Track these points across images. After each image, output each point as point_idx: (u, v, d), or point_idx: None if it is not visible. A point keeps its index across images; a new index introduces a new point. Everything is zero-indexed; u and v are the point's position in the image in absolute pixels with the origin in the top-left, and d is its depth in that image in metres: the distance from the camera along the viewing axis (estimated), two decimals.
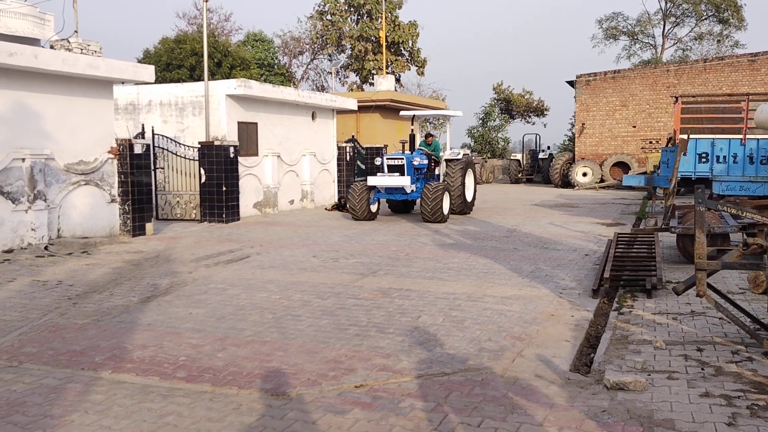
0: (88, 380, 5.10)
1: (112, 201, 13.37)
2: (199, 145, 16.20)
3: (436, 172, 17.62)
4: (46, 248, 11.62)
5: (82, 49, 12.82)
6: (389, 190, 16.58)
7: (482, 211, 19.25)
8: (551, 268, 9.81)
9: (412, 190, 16.49)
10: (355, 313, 7.15)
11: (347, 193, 16.76)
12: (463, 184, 17.22)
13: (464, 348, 5.89)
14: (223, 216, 16.12)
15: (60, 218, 12.28)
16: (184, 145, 16.74)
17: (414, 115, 18.77)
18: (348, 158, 22.88)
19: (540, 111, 49.49)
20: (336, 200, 21.58)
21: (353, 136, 24.17)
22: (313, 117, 21.38)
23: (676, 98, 17.17)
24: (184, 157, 16.64)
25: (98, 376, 5.19)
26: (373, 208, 16.48)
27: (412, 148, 17.31)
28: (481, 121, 48.37)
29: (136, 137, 15.15)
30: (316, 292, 8.23)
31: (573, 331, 6.49)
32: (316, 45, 44.11)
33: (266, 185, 18.94)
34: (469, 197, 17.83)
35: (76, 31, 13.40)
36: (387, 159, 16.42)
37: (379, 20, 40.53)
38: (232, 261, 10.66)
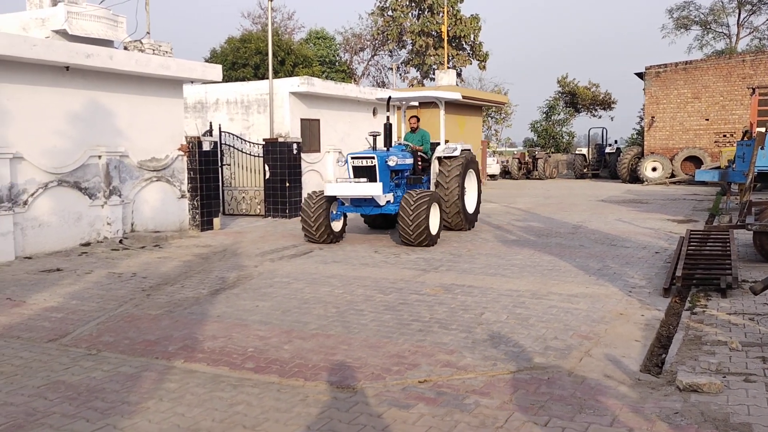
0: (162, 369, 5.29)
1: (182, 197, 13.80)
2: (264, 142, 16.53)
3: (430, 175, 13.03)
4: (120, 242, 12.11)
5: (153, 50, 13.27)
6: (357, 202, 11.94)
7: (546, 207, 18.91)
8: (619, 266, 9.55)
9: (389, 201, 11.84)
10: (417, 309, 7.16)
11: (303, 209, 11.78)
12: (461, 190, 12.87)
13: (529, 346, 5.81)
14: (287, 211, 16.41)
15: (133, 213, 12.77)
16: (249, 142, 17.11)
17: (390, 98, 13.02)
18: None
19: (607, 104, 48.21)
20: None
21: None
22: (374, 113, 21.48)
23: (753, 89, 16.41)
24: (250, 154, 17.02)
25: (171, 365, 5.38)
26: (337, 225, 12.05)
27: (389, 143, 12.31)
28: (544, 115, 47.50)
29: (204, 135, 15.58)
30: (378, 287, 8.28)
31: (643, 330, 6.31)
32: (376, 41, 44.27)
33: (328, 181, 19.15)
34: (470, 207, 13.56)
35: (148, 33, 13.88)
36: (352, 158, 11.84)
37: (441, 15, 40.34)
38: (296, 256, 10.84)
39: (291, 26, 40.96)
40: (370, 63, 45.97)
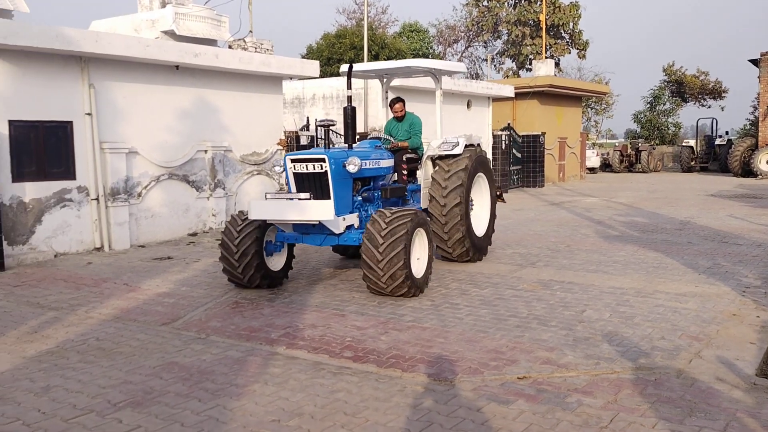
0: (266, 354, 5.50)
1: (281, 190, 14.25)
2: (358, 136, 16.76)
3: (417, 181, 9.07)
4: None
5: (256, 48, 13.76)
6: (302, 228, 7.78)
7: (650, 201, 18.10)
8: (732, 264, 9.00)
9: (351, 227, 7.71)
10: (514, 304, 7.05)
11: (223, 238, 7.66)
12: (465, 205, 8.81)
13: (634, 345, 5.59)
14: None
15: (236, 205, 13.31)
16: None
17: (351, 67, 8.30)
18: (503, 147, 22.52)
19: (717, 93, 45.47)
20: None
21: (509, 124, 23.76)
22: (468, 105, 21.29)
23: None
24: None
25: (275, 351, 5.58)
26: (276, 261, 8.00)
27: (352, 136, 8.02)
28: (649, 105, 45.39)
29: (301, 129, 16.01)
30: (473, 282, 8.22)
31: (759, 332, 5.92)
32: (471, 32, 43.80)
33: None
34: (479, 229, 9.56)
35: (251, 31, 14.41)
36: (291, 161, 7.65)
37: (539, 3, 39.35)
38: None
39: (385, 20, 41.22)
40: (463, 55, 45.57)
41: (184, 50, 11.80)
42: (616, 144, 42.71)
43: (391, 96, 9.68)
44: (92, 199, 10.86)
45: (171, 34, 13.24)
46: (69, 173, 10.61)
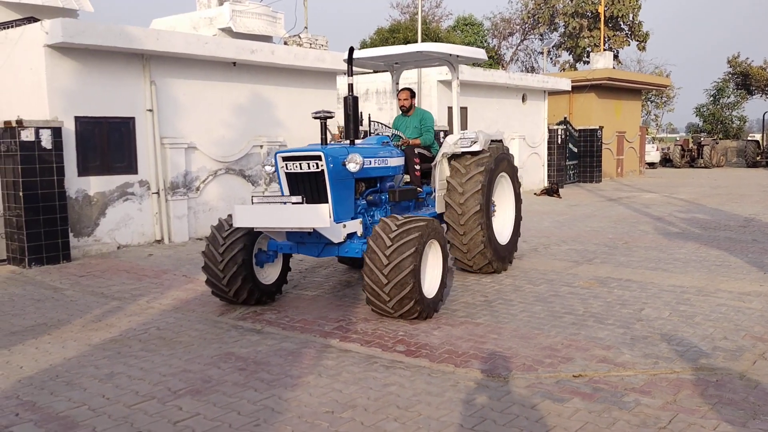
0: (319, 347, 5.57)
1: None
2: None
3: (435, 185, 8.02)
4: None
5: (311, 44, 13.91)
6: (295, 237, 6.75)
7: (712, 197, 17.48)
8: None
9: (352, 235, 6.68)
10: (570, 302, 6.93)
11: (207, 245, 6.75)
12: (486, 210, 7.84)
13: (695, 345, 5.42)
14: None
15: None
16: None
17: (351, 51, 7.36)
18: (559, 141, 22.13)
19: None
20: (546, 185, 21.02)
21: (565, 118, 23.31)
22: (523, 99, 20.99)
23: None
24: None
25: (328, 344, 5.65)
26: (268, 274, 7.10)
27: (354, 130, 7.06)
28: (711, 98, 43.80)
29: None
30: (527, 278, 8.12)
31: None
32: (526, 25, 43.13)
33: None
34: (502, 236, 8.50)
35: (306, 27, 14.57)
36: (283, 159, 6.62)
37: None
38: None
39: (439, 14, 40.98)
40: (519, 48, 44.93)
41: (241, 47, 12.02)
42: (677, 138, 41.38)
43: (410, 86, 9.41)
44: (153, 193, 11.20)
45: (228, 31, 13.51)
46: (131, 168, 10.97)
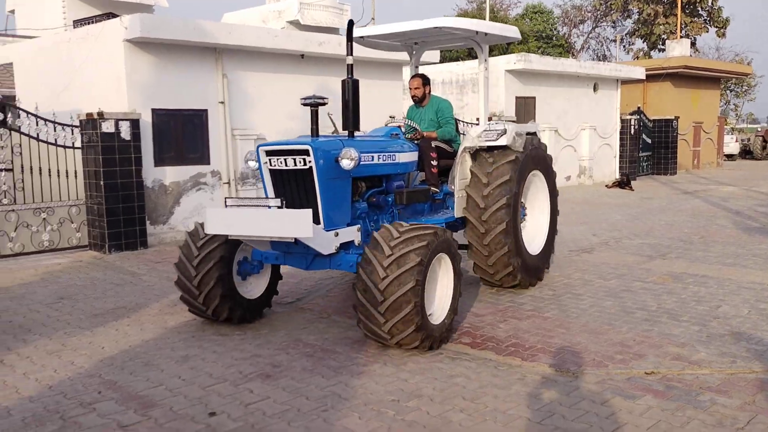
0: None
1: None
2: (477, 120, 16.57)
3: (454, 184, 6.89)
4: None
5: None
6: (280, 246, 5.60)
7: None
8: None
9: (347, 245, 5.66)
10: (642, 297, 6.73)
11: (180, 256, 5.87)
12: (512, 213, 6.66)
13: None
14: None
15: None
16: (462, 121, 17.28)
17: (350, 23, 6.04)
18: (632, 132, 21.43)
19: None
20: (617, 177, 20.42)
21: (639, 108, 22.55)
22: (594, 88, 20.42)
23: None
24: (462, 134, 17.20)
25: None
26: (251, 287, 6.14)
27: (353, 119, 5.84)
28: None
29: None
30: (597, 272, 7.92)
31: None
32: (598, 12, 41.86)
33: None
34: (533, 245, 7.33)
35: (372, 19, 14.62)
36: (267, 153, 5.59)
37: None
38: None
39: (507, 2, 40.30)
40: (590, 36, 43.70)
41: (309, 39, 12.18)
42: (758, 129, 39.34)
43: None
44: (224, 183, 11.52)
45: (296, 23, 13.71)
46: (204, 158, 11.32)
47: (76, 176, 10.02)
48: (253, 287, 6.16)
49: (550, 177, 7.58)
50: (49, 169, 9.85)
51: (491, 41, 7.30)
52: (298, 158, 5.38)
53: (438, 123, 7.04)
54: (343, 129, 5.94)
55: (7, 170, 9.37)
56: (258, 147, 5.59)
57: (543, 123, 18.51)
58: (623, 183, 18.48)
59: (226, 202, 5.28)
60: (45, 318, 6.37)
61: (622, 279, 7.55)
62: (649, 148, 22.84)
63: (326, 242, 5.33)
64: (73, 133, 9.95)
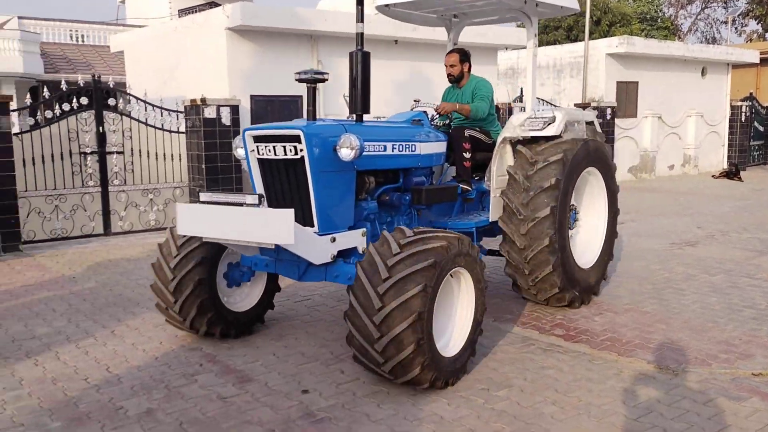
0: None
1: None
2: (574, 107, 16.05)
3: (491, 180, 5.76)
4: None
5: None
6: (270, 251, 4.53)
7: None
8: None
9: (348, 255, 4.72)
10: (750, 294, 6.33)
11: (158, 256, 5.04)
12: (559, 219, 5.47)
13: None
14: None
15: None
16: (559, 107, 16.80)
17: None
18: (743, 119, 20.11)
19: None
20: (725, 166, 19.25)
21: (751, 94, 21.11)
22: (702, 73, 19.28)
23: None
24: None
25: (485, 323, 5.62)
26: (242, 296, 5.34)
27: (362, 101, 4.98)
28: None
29: (515, 101, 15.73)
30: (702, 267, 7.52)
31: None
32: None
33: (643, 149, 17.88)
34: (586, 257, 6.16)
35: None
36: (255, 140, 4.70)
37: None
38: None
39: None
40: (698, 17, 41.22)
41: (402, 24, 12.09)
42: None
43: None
44: None
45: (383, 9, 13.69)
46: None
47: (180, 159, 10.51)
48: (243, 298, 5.31)
49: (608, 174, 6.32)
50: (156, 153, 10.38)
51: (544, 13, 6.13)
52: (289, 146, 4.49)
53: (474, 108, 5.91)
54: (350, 112, 5.08)
55: (118, 153, 9.96)
56: (244, 131, 4.71)
57: (645, 110, 17.70)
58: (731, 173, 17.40)
59: (200, 197, 4.40)
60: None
61: (728, 275, 7.12)
62: (762, 136, 21.35)
63: (319, 249, 4.42)
64: (178, 119, 10.44)
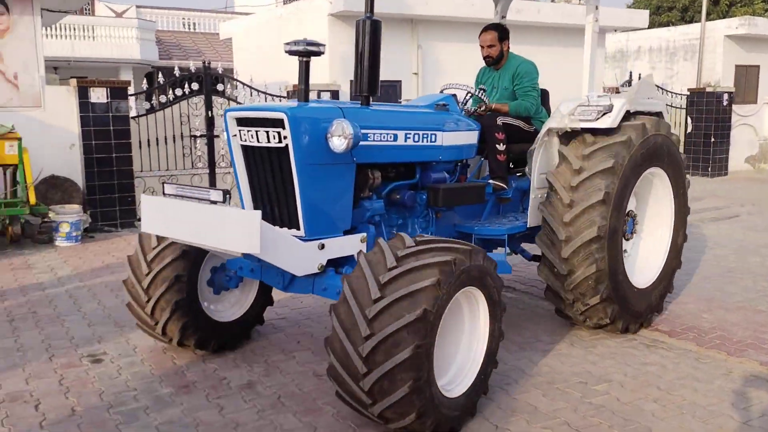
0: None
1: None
2: (688, 92, 15.16)
3: (532, 175, 4.88)
4: None
5: (580, 0, 13.25)
6: (253, 256, 3.50)
7: None
8: None
9: (342, 264, 3.99)
10: None
11: (136, 251, 4.37)
12: (611, 229, 4.53)
13: None
14: (708, 169, 14.91)
15: None
16: (671, 92, 15.92)
17: None
18: None
19: None
20: None
21: None
22: None
23: None
24: (671, 105, 15.84)
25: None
26: (228, 303, 4.66)
27: (369, 80, 3.86)
28: None
29: (622, 85, 15.08)
30: None
31: None
32: None
33: (763, 137, 16.68)
34: (644, 275, 5.15)
35: None
36: (238, 123, 3.92)
37: None
38: (718, 219, 9.81)
39: None
40: None
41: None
42: None
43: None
44: None
45: None
46: None
47: None
48: (230, 306, 4.66)
49: (676, 173, 5.23)
50: None
51: None
52: (273, 131, 3.70)
53: (510, 91, 5.21)
54: (354, 93, 4.17)
55: None
56: (226, 112, 3.97)
57: (767, 95, 16.47)
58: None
59: (164, 188, 3.74)
60: None
61: None
62: None
63: (302, 257, 3.67)
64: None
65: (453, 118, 4.71)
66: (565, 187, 4.59)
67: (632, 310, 4.87)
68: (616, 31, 14.83)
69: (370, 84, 3.88)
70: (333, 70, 10.91)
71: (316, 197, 3.77)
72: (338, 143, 3.65)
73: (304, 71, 3.82)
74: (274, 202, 3.88)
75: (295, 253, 3.63)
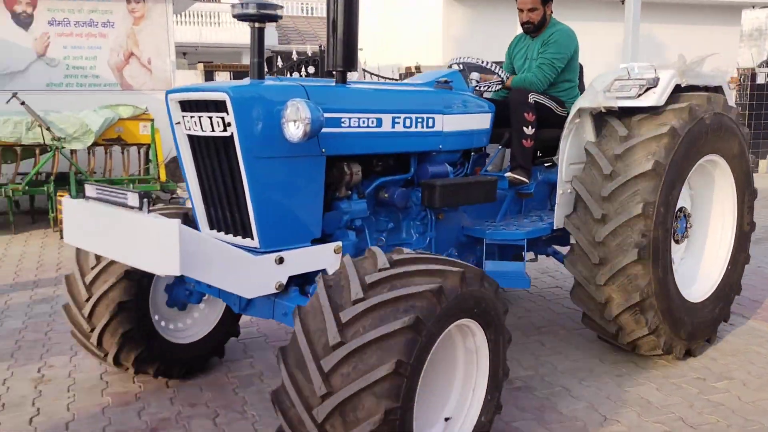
0: None
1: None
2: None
3: (561, 164, 3.99)
4: None
5: None
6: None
7: None
8: None
9: (301, 282, 3.10)
10: None
11: (69, 295, 3.54)
12: (661, 238, 3.65)
13: None
14: None
15: None
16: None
17: None
18: None
19: None
20: None
21: None
22: None
23: None
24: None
25: None
26: (192, 322, 3.88)
27: (345, 58, 3.12)
28: None
29: (759, 65, 13.95)
30: None
31: None
32: None
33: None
34: (699, 286, 4.24)
35: None
36: (182, 107, 3.09)
37: None
38: None
39: None
40: None
41: None
42: None
43: None
44: None
45: None
46: None
47: None
48: (190, 326, 3.89)
49: (740, 165, 4.28)
50: None
51: None
52: (216, 117, 2.93)
53: (545, 65, 4.30)
54: (326, 69, 3.42)
55: None
56: (167, 94, 3.19)
57: None
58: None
59: (86, 190, 3.03)
60: None
61: None
62: None
63: (254, 274, 2.88)
64: None
65: (457, 97, 3.84)
66: (606, 154, 3.75)
67: (678, 325, 3.91)
68: (754, 7, 13.67)
69: (345, 57, 3.12)
70: (446, 52, 10.86)
71: (272, 199, 2.98)
72: (294, 130, 2.83)
73: (257, 39, 3.14)
74: (225, 206, 3.10)
75: (243, 269, 2.82)
